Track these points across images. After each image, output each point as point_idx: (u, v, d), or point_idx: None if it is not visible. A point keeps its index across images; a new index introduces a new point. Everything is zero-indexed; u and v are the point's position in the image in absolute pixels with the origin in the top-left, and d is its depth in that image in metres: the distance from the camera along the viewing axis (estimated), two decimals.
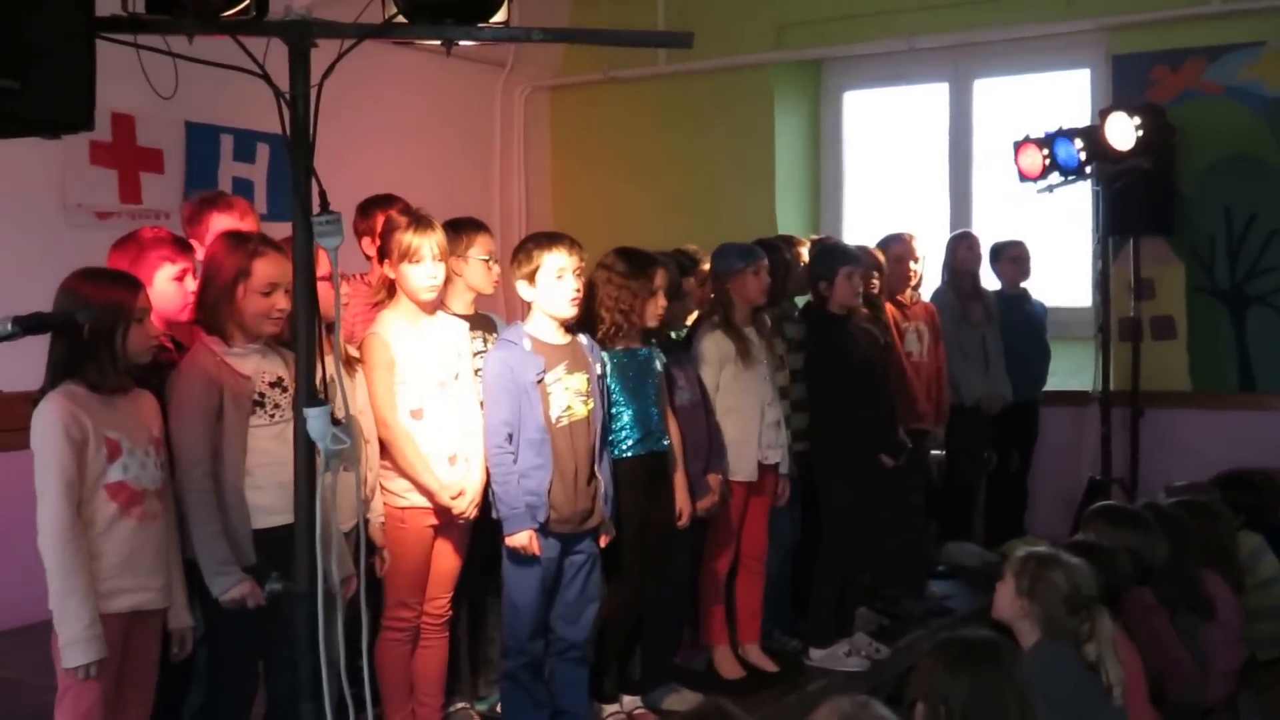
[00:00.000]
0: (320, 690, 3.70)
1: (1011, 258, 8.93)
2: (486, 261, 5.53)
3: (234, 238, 4.71)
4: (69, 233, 7.23)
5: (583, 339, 5.41)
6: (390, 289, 5.27)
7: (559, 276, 5.25)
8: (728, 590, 6.45)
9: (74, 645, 3.98)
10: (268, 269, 4.46)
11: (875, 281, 7.28)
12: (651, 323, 5.65)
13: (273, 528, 4.39)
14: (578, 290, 5.29)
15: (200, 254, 5.06)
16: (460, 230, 5.48)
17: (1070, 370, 9.08)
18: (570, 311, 5.30)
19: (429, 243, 5.14)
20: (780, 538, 6.69)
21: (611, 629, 5.66)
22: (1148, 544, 5.15)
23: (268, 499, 4.42)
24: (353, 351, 5.07)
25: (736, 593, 6.48)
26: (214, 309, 4.52)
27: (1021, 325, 8.80)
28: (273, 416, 4.49)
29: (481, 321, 5.62)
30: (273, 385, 4.52)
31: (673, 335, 6.26)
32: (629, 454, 5.54)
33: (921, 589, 7.72)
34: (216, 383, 4.42)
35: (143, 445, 4.20)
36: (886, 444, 6.84)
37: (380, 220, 5.61)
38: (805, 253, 7.11)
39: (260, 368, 4.53)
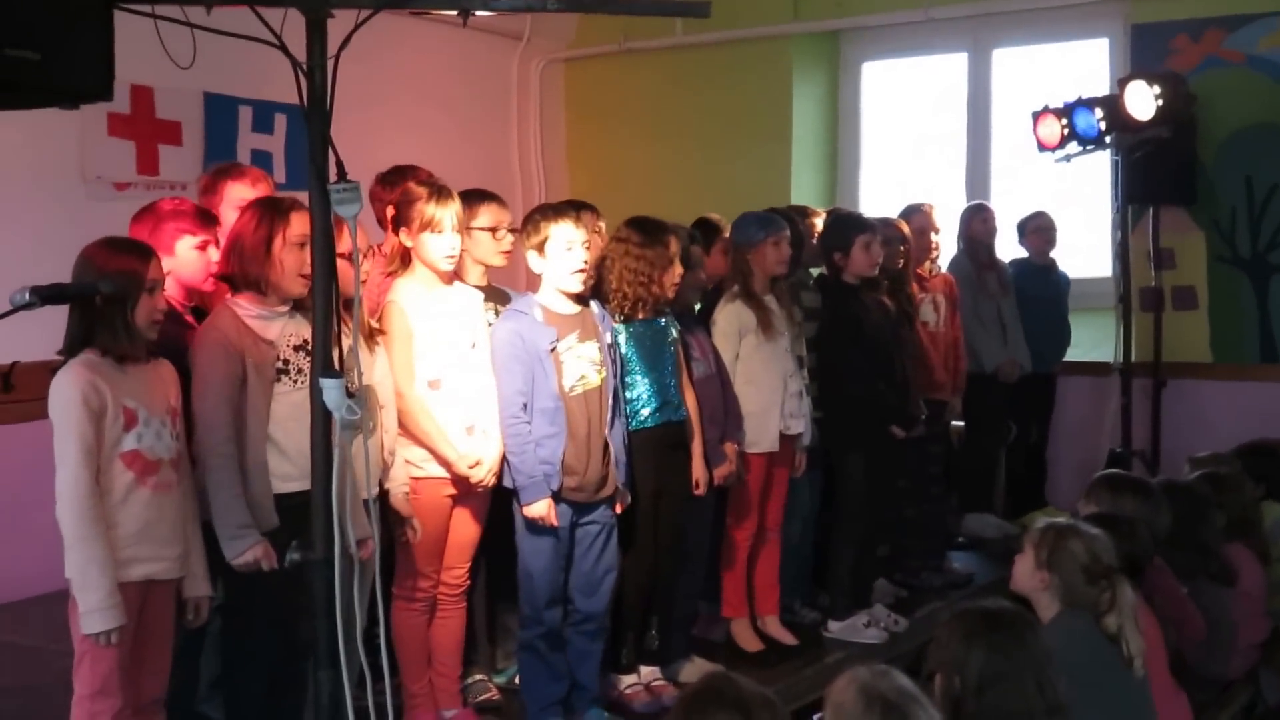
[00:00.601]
0: (337, 659, 3.71)
1: (1036, 229, 8.90)
2: (493, 232, 5.52)
3: (267, 199, 4.76)
4: (87, 204, 7.25)
5: (594, 307, 5.42)
6: (404, 259, 5.27)
7: (567, 248, 5.25)
8: (747, 562, 6.45)
9: (94, 613, 4.00)
10: (305, 222, 4.45)
11: (901, 255, 7.25)
12: (670, 293, 5.64)
13: (294, 493, 4.40)
14: (585, 263, 5.29)
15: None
16: (463, 201, 5.44)
17: (1091, 341, 9.07)
18: (575, 285, 5.29)
19: (450, 213, 5.14)
20: (797, 509, 6.69)
21: (627, 599, 5.66)
22: (1149, 513, 5.13)
23: (290, 464, 4.46)
24: (374, 324, 5.06)
25: (755, 565, 6.48)
26: (248, 262, 4.53)
27: (1045, 296, 8.79)
28: (296, 382, 4.51)
29: (494, 294, 5.60)
30: (297, 349, 4.54)
31: (697, 307, 6.25)
32: (647, 424, 5.54)
33: (941, 561, 7.72)
34: (238, 349, 4.45)
35: (159, 415, 4.22)
36: (898, 415, 6.82)
37: None
38: (819, 224, 7.09)
39: (286, 330, 4.55)
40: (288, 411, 4.48)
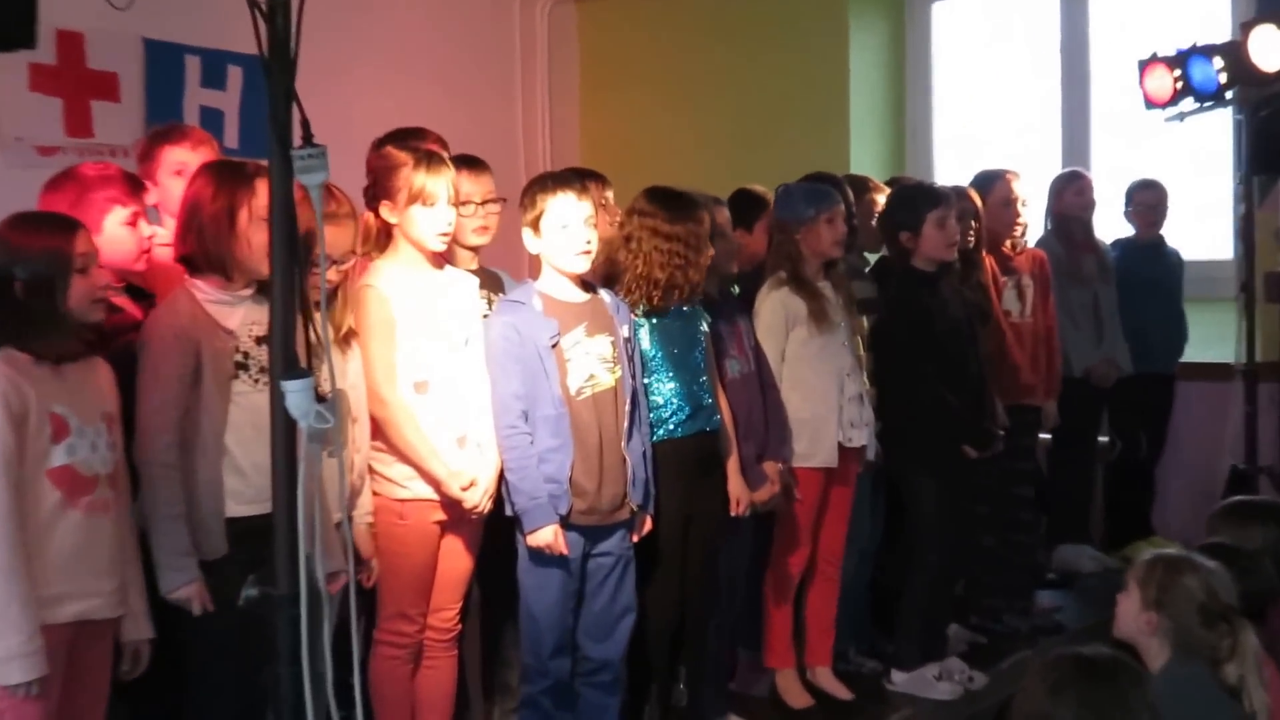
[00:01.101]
0: (303, 713, 3.72)
1: (1143, 202, 8.88)
2: (460, 205, 5.48)
3: (228, 163, 4.78)
4: (6, 172, 7.26)
5: (605, 296, 5.43)
6: (381, 238, 5.28)
7: (565, 226, 5.27)
8: (797, 601, 6.46)
9: (12, 661, 4.00)
10: None
11: (973, 232, 7.21)
12: (703, 278, 5.64)
13: (251, 517, 4.41)
14: (589, 242, 5.30)
15: (154, 196, 5.12)
16: None
17: (1208, 338, 9.03)
18: (579, 266, 5.32)
19: (444, 182, 5.17)
20: (855, 538, 6.68)
21: (650, 645, 5.66)
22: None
23: (244, 482, 4.48)
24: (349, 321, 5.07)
25: (806, 604, 6.49)
26: (209, 240, 4.55)
27: (1154, 280, 8.77)
28: (256, 381, 4.53)
29: (486, 279, 5.63)
30: (260, 341, 4.55)
31: (735, 289, 6.25)
32: (674, 435, 5.56)
33: (1027, 601, 7.72)
34: (193, 338, 4.47)
35: (94, 422, 4.23)
36: (971, 431, 6.77)
37: None
38: (881, 200, 7.08)
39: (248, 318, 4.57)
40: (245, 417, 4.49)
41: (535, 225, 5.30)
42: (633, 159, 9.35)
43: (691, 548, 5.66)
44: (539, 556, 5.23)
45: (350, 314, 5.01)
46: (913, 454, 6.67)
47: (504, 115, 10.28)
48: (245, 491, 4.47)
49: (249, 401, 4.51)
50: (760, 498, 5.89)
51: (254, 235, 4.52)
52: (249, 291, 4.60)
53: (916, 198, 6.86)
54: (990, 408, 7.01)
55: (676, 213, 5.59)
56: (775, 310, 6.23)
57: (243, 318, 4.58)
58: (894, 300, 6.76)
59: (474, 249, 5.66)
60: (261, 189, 4.49)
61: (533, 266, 5.55)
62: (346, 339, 4.98)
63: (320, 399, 3.74)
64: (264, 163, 4.12)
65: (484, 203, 5.60)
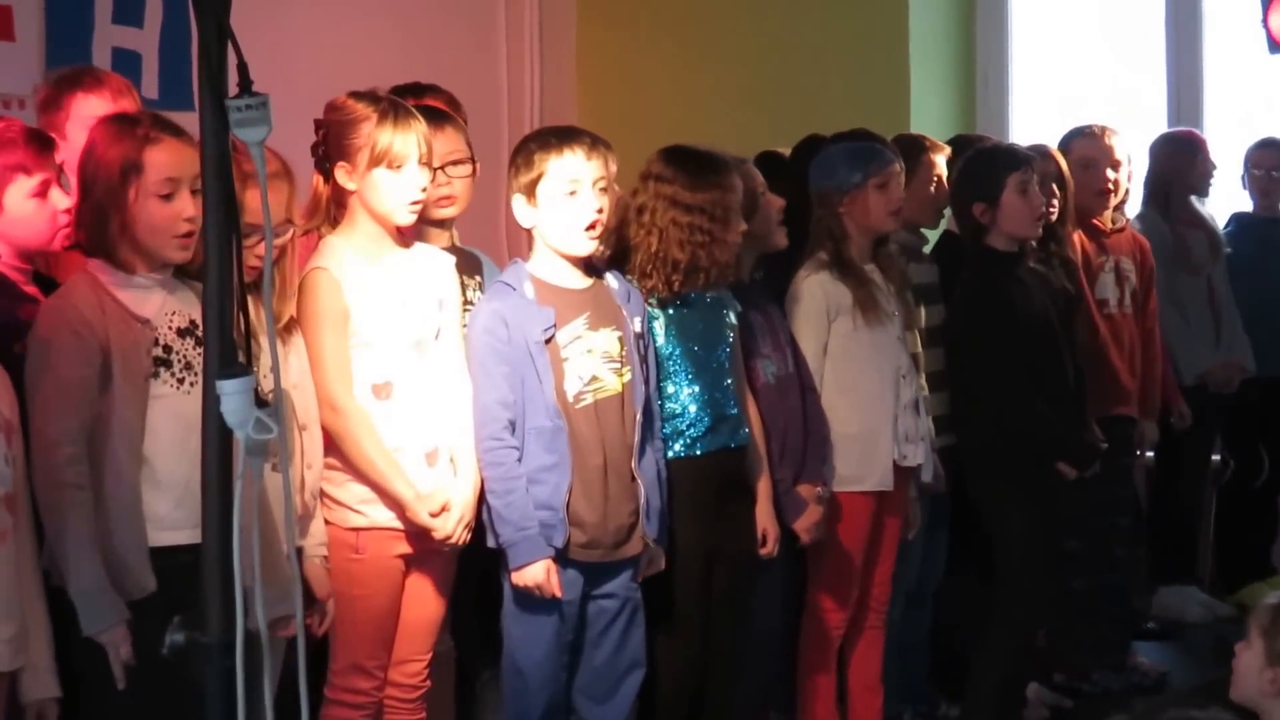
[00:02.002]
0: None
1: (1263, 165, 8.87)
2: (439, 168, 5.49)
3: (118, 121, 4.72)
4: None
5: (611, 280, 5.44)
6: (332, 210, 5.29)
7: (570, 192, 5.25)
8: (840, 655, 6.48)
9: None
10: (165, 159, 4.45)
11: (1055, 202, 7.17)
12: (733, 257, 5.64)
13: (175, 548, 4.42)
14: (600, 212, 5.29)
15: (61, 153, 5.11)
16: None
17: None
18: (586, 245, 5.31)
19: (414, 140, 5.15)
20: (911, 578, 6.72)
21: (663, 709, 5.68)
22: None
23: (169, 504, 4.48)
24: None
25: (850, 659, 6.51)
26: (99, 221, 4.54)
27: (1274, 264, 8.76)
28: (181, 382, 4.52)
29: (461, 261, 5.62)
30: (182, 333, 4.55)
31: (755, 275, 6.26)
32: (694, 452, 5.58)
33: (1122, 654, 7.73)
34: (100, 330, 4.44)
35: None
36: (1068, 446, 6.77)
37: None
38: (941, 162, 7.08)
39: (165, 307, 4.56)
40: (168, 426, 4.49)
41: (531, 191, 5.27)
42: (644, 111, 9.35)
43: (713, 590, 5.67)
44: (528, 599, 5.23)
45: (289, 300, 5.02)
46: (996, 475, 6.67)
47: (483, 66, 10.26)
48: (170, 515, 4.47)
49: (171, 407, 4.50)
50: (804, 525, 5.91)
51: (143, 214, 4.50)
52: (159, 275, 4.58)
53: (996, 160, 6.83)
54: (1088, 417, 7.00)
55: (700, 178, 5.60)
56: (814, 297, 6.22)
57: (160, 304, 4.56)
58: (969, 287, 6.75)
59: (439, 222, 5.66)
60: (151, 158, 4.48)
61: (513, 246, 5.54)
62: (287, 329, 4.98)
63: (261, 403, 3.76)
64: (165, 117, 4.13)
65: (446, 165, 5.59)
